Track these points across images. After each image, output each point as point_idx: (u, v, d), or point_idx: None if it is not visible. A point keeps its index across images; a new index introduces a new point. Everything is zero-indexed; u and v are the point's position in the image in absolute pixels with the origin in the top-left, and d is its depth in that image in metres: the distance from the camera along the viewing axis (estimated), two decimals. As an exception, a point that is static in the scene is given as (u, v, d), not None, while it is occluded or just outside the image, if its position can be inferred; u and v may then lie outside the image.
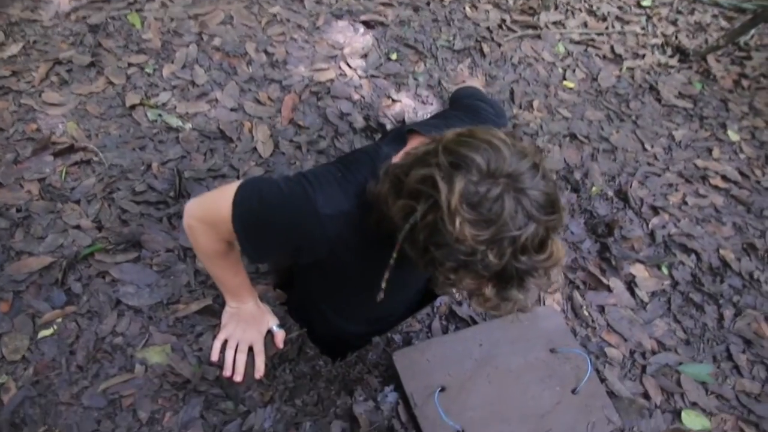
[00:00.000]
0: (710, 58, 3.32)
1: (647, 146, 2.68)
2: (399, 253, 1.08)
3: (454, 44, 3.01)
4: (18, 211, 1.86)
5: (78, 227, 1.85)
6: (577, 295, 1.97)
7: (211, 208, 1.28)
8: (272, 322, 1.67)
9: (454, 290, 1.18)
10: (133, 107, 2.27)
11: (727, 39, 3.27)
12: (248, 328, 1.62)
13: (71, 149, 2.06)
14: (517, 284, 1.00)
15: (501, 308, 1.05)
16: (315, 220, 1.15)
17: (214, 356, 1.58)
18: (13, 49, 2.40)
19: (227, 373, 1.56)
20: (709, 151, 2.73)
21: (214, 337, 1.62)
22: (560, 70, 3.05)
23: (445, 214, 0.92)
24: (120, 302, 1.70)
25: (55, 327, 1.63)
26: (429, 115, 2.55)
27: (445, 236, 0.93)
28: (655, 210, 2.35)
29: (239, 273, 1.51)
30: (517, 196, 0.93)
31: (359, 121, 2.45)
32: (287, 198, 1.17)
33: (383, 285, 1.16)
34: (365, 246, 1.21)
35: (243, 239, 1.21)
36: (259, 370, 1.58)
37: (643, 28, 3.50)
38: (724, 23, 3.68)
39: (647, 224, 2.29)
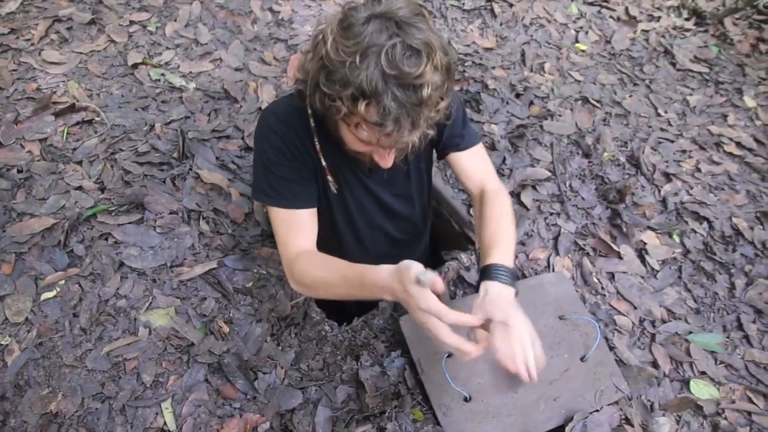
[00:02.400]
0: (727, 21, 3.23)
1: (661, 111, 2.62)
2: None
3: (464, 3, 2.93)
4: (19, 171, 1.83)
5: (80, 188, 1.83)
6: (587, 261, 1.94)
7: (279, 246, 1.45)
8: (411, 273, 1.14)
9: (361, 145, 1.25)
10: (135, 66, 2.22)
11: (745, 1, 3.17)
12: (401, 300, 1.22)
13: (72, 109, 2.02)
14: (388, 103, 1.08)
15: (391, 137, 1.14)
16: (270, 114, 1.39)
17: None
18: (11, 5, 2.34)
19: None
20: (724, 117, 2.67)
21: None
22: (573, 32, 2.97)
23: (323, 41, 1.11)
24: (123, 264, 1.68)
25: (58, 289, 1.61)
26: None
27: (325, 61, 1.11)
28: (668, 176, 2.30)
29: (343, 266, 1.34)
30: (384, 20, 1.08)
31: (366, 83, 2.39)
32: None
33: (330, 180, 1.45)
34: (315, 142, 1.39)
35: (264, 188, 1.39)
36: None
37: (659, -11, 3.41)
38: (742, -15, 3.58)
39: (659, 191, 2.24)
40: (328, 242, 1.51)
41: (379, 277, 1.18)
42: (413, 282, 1.08)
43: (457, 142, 1.56)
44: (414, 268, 1.10)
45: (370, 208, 1.64)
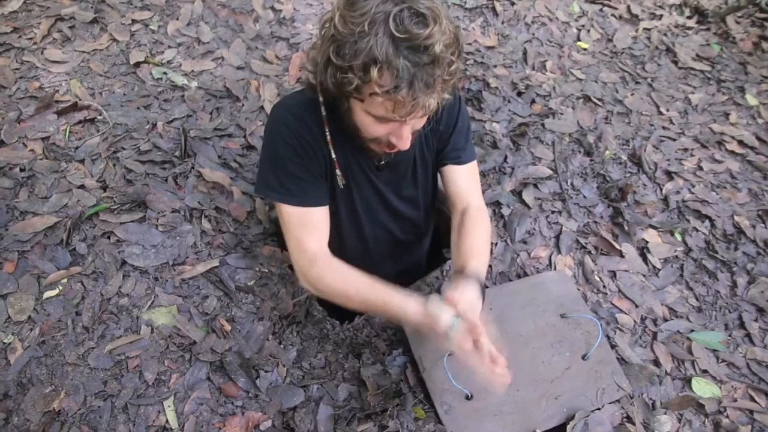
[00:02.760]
0: (729, 20, 3.22)
1: (663, 109, 2.61)
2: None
3: (465, 2, 2.93)
4: (22, 170, 1.84)
5: (82, 187, 1.83)
6: (588, 260, 1.94)
7: (290, 246, 1.46)
8: (445, 320, 1.26)
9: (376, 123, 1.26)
10: (137, 65, 2.22)
11: (747, -1, 3.17)
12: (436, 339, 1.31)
13: (75, 107, 2.02)
14: (401, 66, 1.09)
15: (405, 103, 1.14)
16: (282, 109, 1.42)
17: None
18: (14, 4, 2.34)
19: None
20: (726, 115, 2.67)
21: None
22: (575, 30, 2.97)
23: (330, 20, 1.15)
24: (125, 263, 1.68)
25: (61, 287, 1.61)
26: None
27: (335, 36, 1.13)
28: (670, 175, 2.30)
29: (366, 286, 1.36)
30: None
31: (368, 81, 2.39)
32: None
33: (338, 174, 1.47)
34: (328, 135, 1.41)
35: (273, 184, 1.40)
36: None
37: (661, -12, 3.40)
38: (745, -17, 3.57)
39: (661, 189, 2.24)
40: (331, 239, 1.50)
41: (407, 313, 1.30)
42: (445, 335, 1.23)
43: (458, 155, 1.58)
44: (443, 321, 1.23)
45: (375, 206, 1.65)
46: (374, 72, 1.10)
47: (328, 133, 1.39)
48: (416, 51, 1.10)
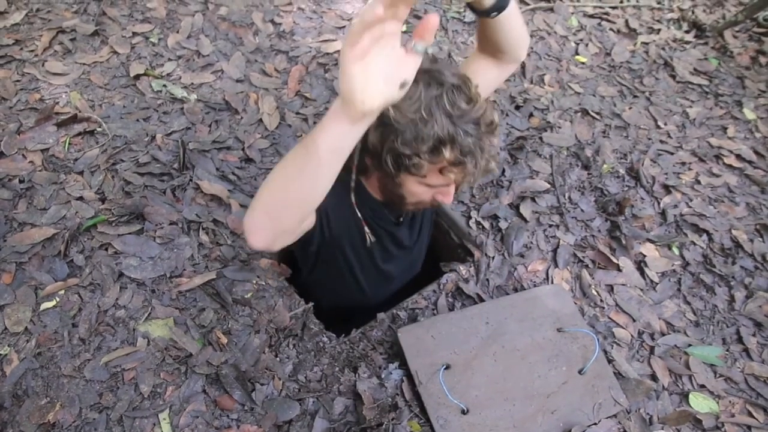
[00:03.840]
0: (727, 34, 3.24)
1: (660, 123, 2.62)
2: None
3: (464, 16, 2.95)
4: (21, 181, 1.85)
5: (81, 198, 1.84)
6: (585, 273, 1.94)
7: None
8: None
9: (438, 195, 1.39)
10: (137, 77, 2.24)
11: (746, 14, 3.18)
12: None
13: (75, 119, 2.03)
14: (464, 141, 1.21)
15: (469, 171, 1.26)
16: None
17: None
18: (16, 17, 2.36)
19: None
20: (724, 129, 2.67)
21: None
22: (573, 44, 2.98)
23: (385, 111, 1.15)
24: (122, 275, 1.68)
25: (58, 299, 1.61)
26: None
27: (389, 126, 1.22)
28: (667, 189, 2.31)
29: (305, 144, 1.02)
30: (429, 78, 1.19)
31: (367, 94, 2.40)
32: None
33: (369, 237, 1.56)
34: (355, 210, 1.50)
35: None
36: None
37: (658, 2, 3.42)
38: (742, -2, 3.59)
39: (659, 203, 2.25)
40: (332, 283, 1.70)
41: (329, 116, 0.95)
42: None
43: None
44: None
45: (395, 254, 1.79)
46: (445, 152, 1.21)
47: (353, 195, 1.48)
48: (472, 124, 1.22)
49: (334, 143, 0.93)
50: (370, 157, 1.36)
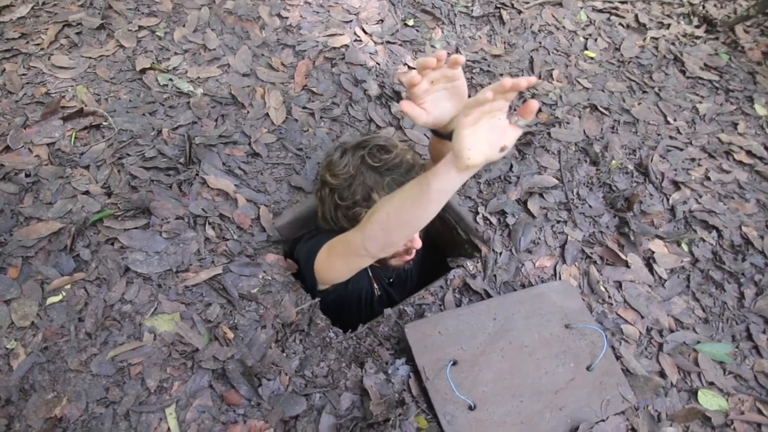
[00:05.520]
0: (738, 29, 3.20)
1: (670, 119, 2.60)
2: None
3: (472, 10, 2.93)
4: (27, 176, 1.84)
5: (87, 193, 1.83)
6: (594, 270, 1.93)
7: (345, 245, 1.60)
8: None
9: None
10: (143, 71, 2.23)
11: (757, 8, 3.15)
12: None
13: (81, 113, 2.03)
14: (392, 185, 1.54)
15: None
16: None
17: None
18: (22, 10, 2.36)
19: None
20: (734, 125, 2.65)
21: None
22: (582, 39, 2.96)
23: (323, 181, 1.66)
24: (129, 269, 1.68)
25: (64, 294, 1.61)
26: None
27: (333, 188, 1.62)
28: (677, 185, 2.29)
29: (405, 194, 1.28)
30: (356, 146, 1.62)
31: (374, 89, 2.39)
32: None
33: (375, 287, 1.96)
34: None
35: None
36: None
37: (668, -3, 3.39)
38: (753, -8, 3.55)
39: (668, 199, 2.23)
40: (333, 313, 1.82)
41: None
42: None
43: None
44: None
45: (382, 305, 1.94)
46: (375, 196, 1.55)
47: None
48: (396, 168, 1.56)
49: (442, 185, 1.12)
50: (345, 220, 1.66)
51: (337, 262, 1.56)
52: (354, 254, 1.46)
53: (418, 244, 1.67)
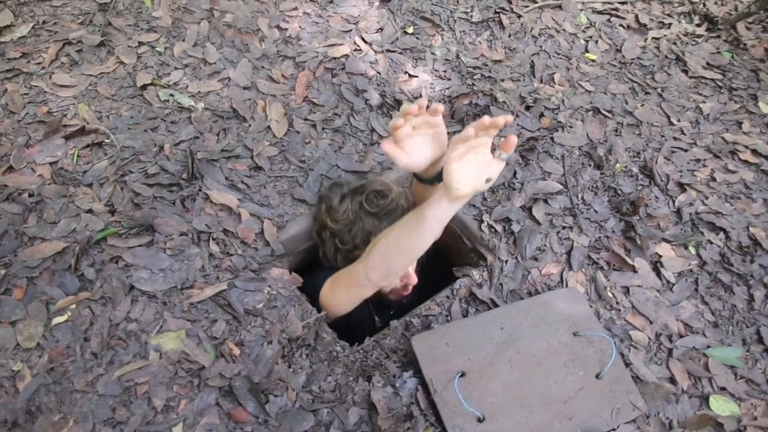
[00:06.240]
0: (740, 26, 3.19)
1: (673, 120, 2.58)
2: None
3: (472, 16, 2.92)
4: (30, 195, 1.84)
5: (90, 211, 1.83)
6: (600, 276, 1.92)
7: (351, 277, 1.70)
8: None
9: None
10: (144, 87, 2.23)
11: (759, 5, 3.13)
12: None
13: (83, 131, 2.03)
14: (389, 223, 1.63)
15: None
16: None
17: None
18: (23, 29, 2.37)
19: None
20: (739, 124, 2.63)
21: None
22: (582, 42, 2.95)
23: (322, 224, 1.85)
24: (133, 287, 1.68)
25: (69, 313, 1.61)
26: (447, 90, 2.49)
27: (334, 233, 1.81)
28: (682, 187, 2.27)
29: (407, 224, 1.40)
30: (354, 192, 1.80)
31: (375, 98, 2.39)
32: None
33: (376, 318, 2.08)
34: None
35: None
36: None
37: (669, -4, 3.38)
38: (754, -11, 3.53)
39: (674, 201, 2.21)
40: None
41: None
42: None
43: None
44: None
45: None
46: (373, 240, 1.56)
47: None
48: (391, 213, 1.73)
49: (436, 215, 1.27)
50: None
51: (341, 293, 1.67)
52: (357, 285, 1.56)
53: (414, 280, 1.80)
